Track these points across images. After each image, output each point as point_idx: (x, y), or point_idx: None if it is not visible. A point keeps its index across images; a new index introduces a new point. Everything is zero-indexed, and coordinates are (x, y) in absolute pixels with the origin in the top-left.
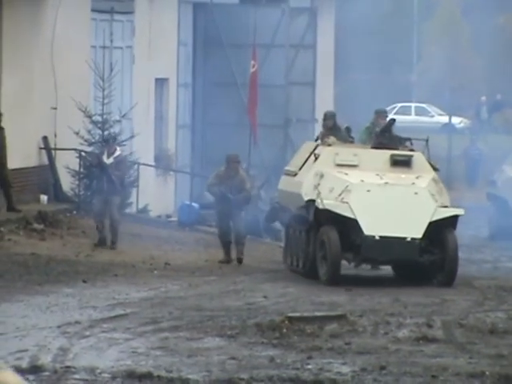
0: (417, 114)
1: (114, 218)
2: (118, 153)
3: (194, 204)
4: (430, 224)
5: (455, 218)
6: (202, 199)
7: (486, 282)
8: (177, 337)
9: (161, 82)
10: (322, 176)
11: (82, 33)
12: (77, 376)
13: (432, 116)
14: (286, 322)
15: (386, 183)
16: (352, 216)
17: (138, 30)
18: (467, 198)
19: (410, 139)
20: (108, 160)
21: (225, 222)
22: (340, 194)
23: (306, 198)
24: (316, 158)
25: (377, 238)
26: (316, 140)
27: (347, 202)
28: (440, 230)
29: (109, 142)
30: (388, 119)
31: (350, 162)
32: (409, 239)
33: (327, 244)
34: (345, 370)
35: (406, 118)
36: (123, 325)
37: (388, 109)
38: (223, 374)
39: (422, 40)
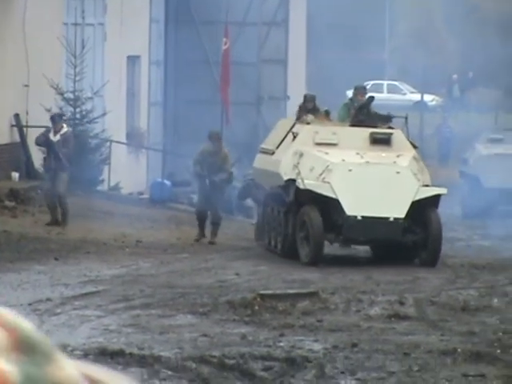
0: (389, 92)
1: (61, 194)
2: (64, 130)
3: (165, 181)
4: (413, 203)
5: (437, 197)
6: (174, 177)
7: (458, 260)
8: (148, 314)
9: (132, 60)
10: (301, 155)
11: (53, 10)
12: None
13: (404, 94)
14: (258, 299)
15: (368, 162)
16: (334, 196)
17: (110, 8)
18: (440, 176)
19: (390, 117)
20: (55, 137)
21: (204, 201)
22: (321, 174)
23: (285, 178)
24: (294, 137)
25: (359, 218)
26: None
27: (329, 182)
28: (423, 210)
29: (55, 120)
30: (367, 96)
31: (329, 141)
32: (391, 219)
33: (309, 224)
34: (316, 347)
35: (378, 95)
36: (95, 302)
37: None
38: (195, 351)
39: (394, 18)
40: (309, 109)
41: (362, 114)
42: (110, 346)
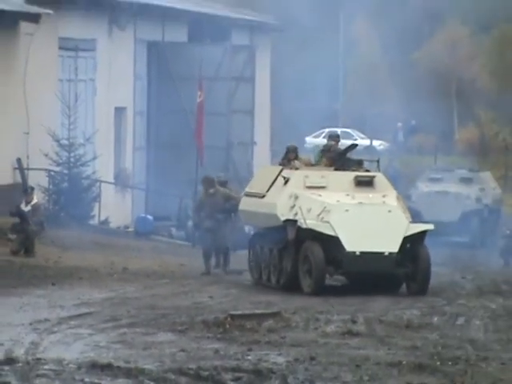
0: (342, 138)
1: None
2: (34, 201)
3: (148, 216)
4: (403, 239)
5: (424, 232)
6: (156, 212)
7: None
8: (134, 332)
9: (119, 111)
10: (296, 197)
11: (50, 68)
12: (46, 367)
13: (355, 139)
14: (229, 318)
15: (361, 203)
16: (334, 234)
17: (100, 65)
18: None
19: (362, 161)
20: (26, 208)
21: (209, 240)
22: (319, 214)
23: (282, 218)
24: (286, 181)
25: (358, 253)
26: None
27: (328, 222)
28: (412, 244)
29: (27, 192)
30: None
31: (318, 184)
32: (386, 253)
33: (312, 259)
34: (280, 360)
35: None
36: (87, 322)
37: (317, 133)
38: (174, 364)
39: (346, 72)
40: (292, 159)
41: (341, 159)
42: (100, 360)
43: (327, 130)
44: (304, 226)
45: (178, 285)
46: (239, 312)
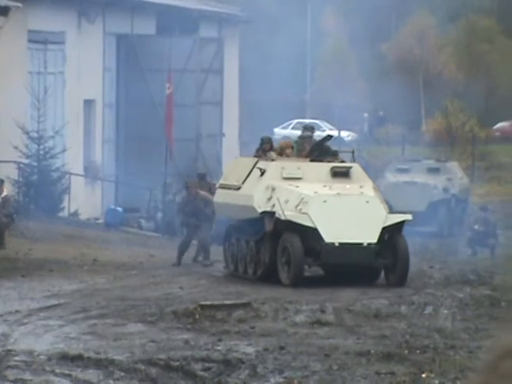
0: None
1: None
2: (4, 193)
3: (118, 208)
4: (382, 229)
5: (402, 222)
6: (125, 204)
7: None
8: (104, 323)
9: (88, 103)
10: (273, 189)
11: (19, 60)
12: (17, 358)
13: (324, 130)
14: (199, 309)
15: (339, 194)
16: (312, 225)
17: (69, 58)
18: None
19: (337, 151)
20: None
21: (189, 236)
22: (297, 205)
23: (259, 210)
24: (262, 173)
25: (336, 244)
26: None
27: (306, 213)
28: (390, 235)
29: None
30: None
31: (295, 175)
32: (365, 244)
33: (290, 250)
34: (250, 350)
35: (300, 132)
36: (57, 313)
37: (285, 124)
38: (144, 355)
39: (315, 64)
40: (267, 150)
41: (318, 149)
42: (70, 351)
43: (295, 121)
44: (282, 218)
45: (147, 276)
46: (209, 302)
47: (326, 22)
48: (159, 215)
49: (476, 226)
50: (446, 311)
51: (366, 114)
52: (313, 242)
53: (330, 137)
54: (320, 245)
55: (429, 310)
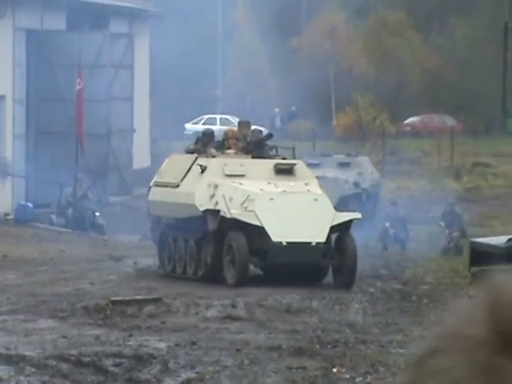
0: (221, 124)
1: None
2: None
3: (28, 204)
4: (330, 228)
5: (350, 221)
6: (36, 200)
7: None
8: (14, 319)
9: None
10: (216, 186)
11: None
12: None
13: (235, 126)
14: (110, 304)
15: (285, 191)
16: (259, 224)
17: None
18: None
19: (276, 147)
20: None
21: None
22: (242, 203)
23: (201, 209)
24: (203, 170)
25: (284, 243)
26: (192, 153)
27: (253, 211)
28: (338, 234)
29: None
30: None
31: (237, 172)
32: (313, 244)
33: (236, 249)
34: (161, 345)
35: (211, 127)
36: None
37: (197, 119)
38: (55, 351)
39: (226, 59)
40: (206, 143)
41: (258, 147)
42: None
43: (206, 116)
44: (228, 216)
45: (58, 271)
46: (120, 298)
47: (237, 17)
48: (70, 211)
49: (387, 223)
50: (356, 306)
51: (277, 109)
52: (259, 241)
53: (271, 135)
54: (267, 244)
55: (340, 304)
